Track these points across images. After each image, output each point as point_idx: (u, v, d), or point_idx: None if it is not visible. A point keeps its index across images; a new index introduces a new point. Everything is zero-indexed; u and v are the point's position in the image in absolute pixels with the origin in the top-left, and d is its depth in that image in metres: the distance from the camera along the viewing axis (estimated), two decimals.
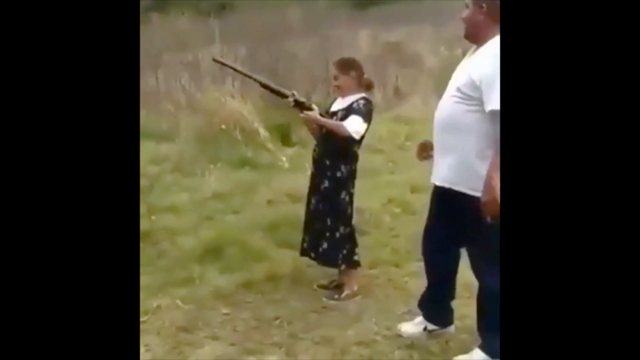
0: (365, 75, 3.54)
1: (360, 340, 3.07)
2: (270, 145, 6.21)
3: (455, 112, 2.64)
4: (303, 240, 3.62)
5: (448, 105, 2.69)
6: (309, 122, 3.56)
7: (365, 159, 6.13)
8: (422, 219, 4.74)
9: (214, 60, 3.96)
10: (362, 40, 12.95)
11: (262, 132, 6.27)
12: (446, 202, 2.81)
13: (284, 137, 6.48)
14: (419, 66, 12.19)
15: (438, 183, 2.80)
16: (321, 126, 3.51)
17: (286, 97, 3.47)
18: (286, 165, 5.85)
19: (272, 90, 3.54)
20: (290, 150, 6.19)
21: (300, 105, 3.48)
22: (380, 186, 5.50)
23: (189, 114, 6.41)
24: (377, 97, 9.94)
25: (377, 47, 12.75)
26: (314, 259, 3.60)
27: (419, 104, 9.72)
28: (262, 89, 3.69)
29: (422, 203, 5.03)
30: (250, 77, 3.68)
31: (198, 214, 4.59)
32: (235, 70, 3.84)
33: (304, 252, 3.63)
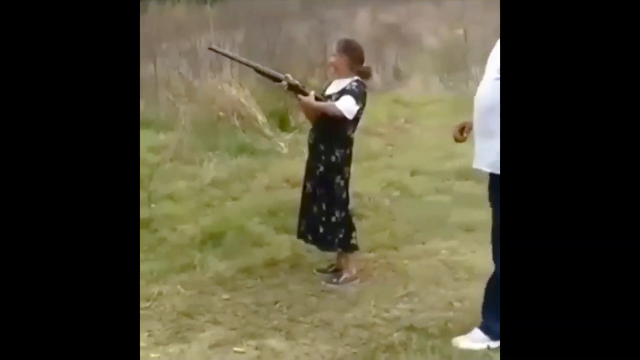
0: (365, 64, 3.54)
1: (359, 323, 3.11)
2: (268, 131, 6.22)
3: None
4: (299, 225, 3.65)
5: (491, 88, 2.66)
6: (304, 106, 3.57)
7: (363, 143, 6.18)
8: (422, 202, 4.83)
9: (210, 49, 3.96)
10: (360, 22, 12.92)
11: (260, 118, 6.28)
12: (493, 188, 2.79)
13: (282, 123, 6.50)
14: (418, 46, 12.16)
15: (486, 169, 2.77)
16: (316, 111, 3.53)
17: (279, 81, 3.47)
18: (284, 150, 5.87)
19: (266, 75, 3.54)
20: (288, 136, 6.21)
21: (294, 89, 3.47)
22: (379, 170, 5.53)
23: (187, 102, 6.41)
24: (376, 79, 9.93)
25: (376, 28, 12.70)
26: (310, 243, 3.63)
27: (419, 85, 9.72)
28: (259, 75, 3.71)
29: (422, 186, 5.10)
30: (244, 63, 3.70)
31: (197, 201, 4.62)
32: (229, 57, 3.84)
33: (300, 236, 3.66)
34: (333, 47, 3.60)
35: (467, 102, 7.66)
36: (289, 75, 3.47)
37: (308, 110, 3.57)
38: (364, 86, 3.50)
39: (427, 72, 10.18)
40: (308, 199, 3.59)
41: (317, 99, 3.47)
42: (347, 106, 3.39)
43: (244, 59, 3.77)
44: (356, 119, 3.52)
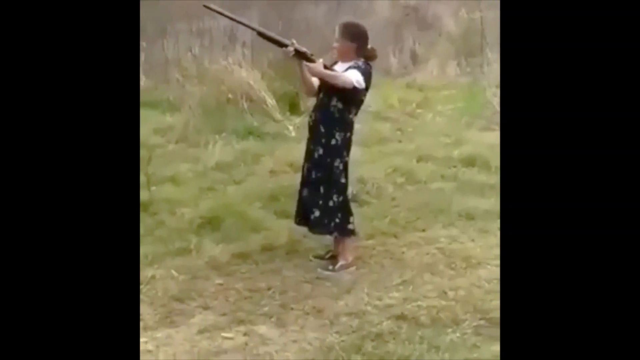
0: (370, 46, 3.48)
1: (350, 311, 3.09)
2: (277, 114, 6.18)
3: None
4: (297, 208, 3.61)
5: None
6: (304, 78, 3.49)
7: (373, 127, 6.13)
8: (426, 188, 4.78)
9: (205, 6, 3.75)
10: (379, 3, 12.76)
11: (270, 101, 6.24)
12: None
13: (292, 106, 6.44)
14: (437, 30, 12.00)
15: None
16: (319, 92, 3.48)
17: (285, 46, 3.35)
18: (293, 134, 5.83)
19: (270, 39, 3.43)
20: (297, 119, 6.16)
21: (301, 55, 3.36)
22: (387, 155, 5.46)
23: (196, 83, 6.39)
24: (392, 62, 9.84)
25: (395, 10, 12.55)
26: (306, 226, 3.58)
27: (435, 69, 9.60)
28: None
29: (427, 172, 5.04)
30: (246, 26, 3.61)
31: (199, 185, 4.61)
32: (229, 18, 3.61)
33: (298, 220, 3.62)
34: (336, 32, 3.50)
35: (480, 88, 7.58)
36: (294, 41, 3.36)
37: (311, 80, 3.48)
38: (370, 67, 3.44)
39: (445, 55, 10.04)
40: (306, 182, 3.54)
41: (325, 68, 3.38)
42: (356, 78, 3.33)
43: (245, 21, 3.65)
44: (359, 101, 3.47)
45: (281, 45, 3.37)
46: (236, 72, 6.41)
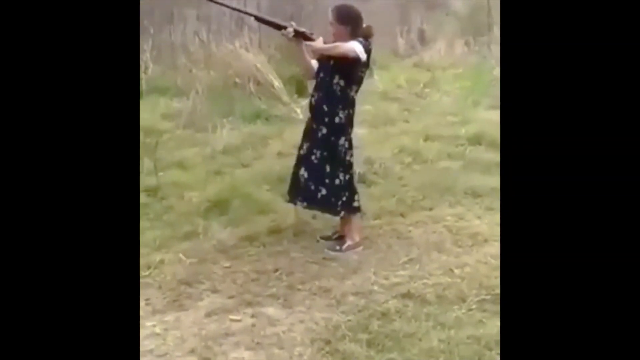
0: (365, 25, 3.47)
1: (357, 291, 3.11)
2: (284, 97, 6.19)
3: None
4: (291, 186, 3.60)
5: None
6: (303, 60, 3.50)
7: (380, 108, 6.13)
8: (433, 168, 4.78)
9: None
10: None
11: (277, 84, 6.24)
12: None
13: (299, 88, 6.43)
14: (445, 9, 11.92)
15: None
16: (318, 73, 3.49)
17: (284, 28, 3.38)
18: (300, 116, 5.83)
19: (269, 23, 3.48)
20: (305, 102, 6.15)
21: (300, 36, 3.39)
22: (394, 135, 5.47)
23: (203, 68, 6.41)
24: (400, 43, 9.80)
25: None
26: (312, 206, 3.58)
27: (443, 48, 9.55)
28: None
29: (434, 152, 5.04)
30: (243, 12, 3.68)
31: (207, 169, 4.63)
32: (226, 6, 3.68)
33: (296, 200, 3.60)
34: (329, 15, 3.47)
35: (487, 66, 7.53)
36: (293, 23, 3.41)
37: (310, 62, 3.50)
38: (369, 43, 3.42)
39: (452, 35, 9.98)
40: (310, 162, 3.52)
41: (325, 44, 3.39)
42: (358, 48, 3.32)
43: (242, 8, 3.71)
44: (359, 77, 3.47)
45: (280, 27, 3.41)
46: (243, 56, 6.42)
